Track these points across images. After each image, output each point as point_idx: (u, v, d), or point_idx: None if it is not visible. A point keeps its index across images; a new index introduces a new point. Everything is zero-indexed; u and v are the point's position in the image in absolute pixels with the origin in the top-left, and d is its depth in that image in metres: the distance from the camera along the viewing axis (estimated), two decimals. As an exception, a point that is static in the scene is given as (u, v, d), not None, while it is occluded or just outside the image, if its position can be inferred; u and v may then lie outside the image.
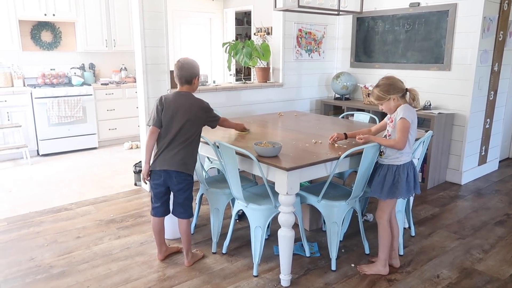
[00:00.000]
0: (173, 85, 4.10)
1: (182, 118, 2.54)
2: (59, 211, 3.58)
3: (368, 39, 5.10)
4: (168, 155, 2.56)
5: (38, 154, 5.38)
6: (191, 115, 2.57)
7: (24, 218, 3.44)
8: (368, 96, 4.85)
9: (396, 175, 2.45)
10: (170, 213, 2.73)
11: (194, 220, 3.19)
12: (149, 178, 2.64)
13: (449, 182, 4.41)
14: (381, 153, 2.50)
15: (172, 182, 2.58)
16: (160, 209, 2.68)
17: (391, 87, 2.41)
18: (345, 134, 2.75)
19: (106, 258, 2.79)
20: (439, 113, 4.14)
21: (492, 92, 4.42)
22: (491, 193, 4.13)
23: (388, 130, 2.50)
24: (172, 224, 3.00)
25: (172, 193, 2.68)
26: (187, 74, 2.60)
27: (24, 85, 5.47)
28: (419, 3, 4.47)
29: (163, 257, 2.79)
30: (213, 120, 2.76)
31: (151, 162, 2.62)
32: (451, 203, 3.85)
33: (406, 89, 2.43)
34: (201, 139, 2.79)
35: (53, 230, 3.21)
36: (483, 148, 4.57)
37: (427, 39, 4.47)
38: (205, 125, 2.70)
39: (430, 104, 4.33)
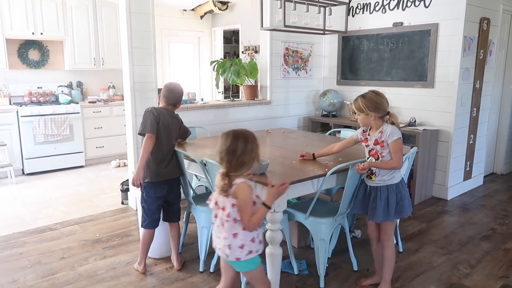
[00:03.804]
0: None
1: (173, 133, 2.82)
2: (43, 231, 3.51)
3: (354, 58, 5.20)
4: (169, 166, 2.78)
5: (23, 173, 5.29)
6: (177, 129, 2.87)
7: (7, 239, 3.37)
8: (354, 114, 4.91)
9: (398, 194, 2.42)
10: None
11: (181, 239, 3.15)
12: (141, 185, 2.72)
13: (435, 198, 4.46)
14: (371, 176, 2.44)
15: (172, 191, 2.83)
16: (157, 220, 2.84)
17: (376, 106, 2.38)
18: (313, 154, 2.78)
19: (91, 279, 2.74)
20: (424, 129, 4.22)
21: (475, 109, 4.53)
22: (476, 208, 4.18)
23: (376, 150, 2.42)
24: (161, 243, 2.98)
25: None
26: (177, 97, 2.86)
27: (10, 104, 5.42)
28: (402, 23, 4.59)
29: (145, 270, 2.84)
30: (187, 131, 3.09)
31: (144, 173, 2.71)
32: (437, 218, 3.89)
33: (388, 112, 2.41)
34: (188, 157, 2.79)
35: (37, 251, 3.14)
36: (468, 163, 4.64)
37: (410, 57, 4.58)
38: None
39: (415, 121, 4.41)
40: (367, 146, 2.49)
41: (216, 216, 1.93)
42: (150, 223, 2.79)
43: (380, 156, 2.41)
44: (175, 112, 2.89)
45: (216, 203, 1.91)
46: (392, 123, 2.40)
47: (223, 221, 1.87)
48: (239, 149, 1.85)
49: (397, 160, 2.35)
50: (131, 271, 2.83)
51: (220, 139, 1.89)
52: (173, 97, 2.83)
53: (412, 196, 4.23)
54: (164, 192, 2.78)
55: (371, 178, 2.45)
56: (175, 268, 2.85)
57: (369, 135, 2.48)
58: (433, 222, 3.79)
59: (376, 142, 2.42)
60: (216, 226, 1.94)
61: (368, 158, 2.49)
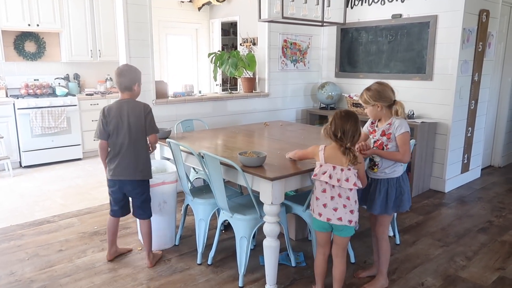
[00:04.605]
0: (158, 96, 4.09)
1: (128, 125, 2.60)
2: (41, 224, 3.51)
3: (352, 50, 5.17)
4: (121, 164, 2.64)
5: (20, 165, 5.28)
6: (135, 118, 2.61)
7: (4, 231, 3.36)
8: (353, 106, 4.91)
9: (398, 188, 2.41)
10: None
11: (179, 231, 3.16)
12: None
13: (433, 190, 4.47)
14: (374, 168, 2.43)
15: (127, 189, 2.70)
16: (118, 211, 2.80)
17: (380, 95, 2.36)
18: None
19: (89, 271, 2.74)
20: (422, 122, 4.21)
21: (473, 102, 4.52)
22: (474, 200, 4.19)
23: (382, 141, 2.39)
24: (159, 236, 2.98)
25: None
26: (126, 80, 2.59)
27: (7, 96, 5.39)
28: (401, 15, 4.57)
29: (112, 258, 2.85)
30: (152, 128, 2.67)
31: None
32: (435, 211, 3.90)
33: (394, 100, 2.39)
34: (186, 149, 2.78)
35: (35, 244, 3.14)
36: (466, 156, 4.65)
37: (409, 49, 4.56)
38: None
39: (413, 113, 4.41)
40: (373, 136, 2.47)
41: (324, 191, 2.19)
42: (110, 211, 2.81)
43: (385, 148, 2.39)
44: (140, 101, 2.67)
45: (330, 176, 2.14)
46: (396, 112, 2.38)
47: (345, 190, 2.15)
48: (359, 127, 2.17)
49: (403, 152, 2.33)
50: (128, 263, 2.83)
51: (339, 119, 2.15)
52: (124, 80, 2.58)
53: (410, 189, 4.23)
54: (116, 188, 2.69)
55: (373, 169, 2.43)
56: (147, 266, 2.79)
57: (377, 126, 2.46)
58: (431, 214, 3.81)
59: (383, 133, 2.39)
60: (329, 199, 2.18)
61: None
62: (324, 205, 2.20)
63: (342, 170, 2.13)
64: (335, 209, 2.19)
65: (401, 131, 2.33)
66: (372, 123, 2.51)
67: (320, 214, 2.23)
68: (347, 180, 2.13)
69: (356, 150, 2.17)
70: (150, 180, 2.81)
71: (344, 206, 2.18)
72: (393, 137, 2.35)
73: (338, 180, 2.13)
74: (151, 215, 2.81)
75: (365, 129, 2.55)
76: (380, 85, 2.40)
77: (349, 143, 2.12)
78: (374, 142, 2.45)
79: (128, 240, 3.18)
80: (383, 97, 2.36)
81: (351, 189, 2.16)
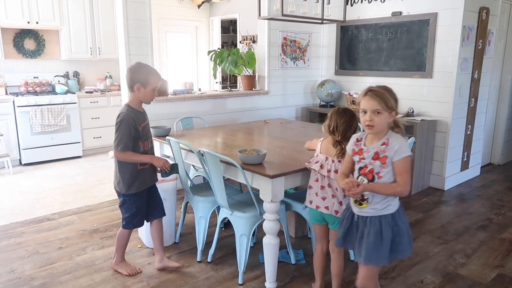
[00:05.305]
0: (158, 93, 4.08)
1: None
2: (41, 222, 3.51)
3: (352, 47, 5.17)
4: None
5: (20, 163, 5.28)
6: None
7: (4, 229, 3.37)
8: (353, 103, 4.91)
9: (395, 227, 1.86)
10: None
11: (179, 229, 3.16)
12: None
13: (432, 188, 4.47)
14: (362, 202, 1.89)
15: None
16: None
17: (397, 102, 1.86)
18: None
19: (89, 268, 2.74)
20: (422, 119, 4.21)
21: (473, 99, 4.52)
22: (473, 198, 4.20)
23: (372, 168, 1.86)
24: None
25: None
26: (127, 79, 2.40)
27: (7, 94, 5.38)
28: (401, 12, 4.56)
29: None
30: (114, 142, 2.44)
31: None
32: (434, 208, 3.91)
33: None
34: (185, 147, 2.78)
35: (35, 241, 3.15)
36: (465, 154, 4.65)
37: (409, 47, 4.56)
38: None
39: (413, 111, 4.40)
40: (360, 160, 1.90)
41: (317, 180, 2.26)
42: None
43: (376, 176, 1.84)
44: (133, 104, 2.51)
45: (322, 166, 2.21)
46: (398, 126, 1.89)
47: (334, 181, 2.18)
48: (354, 124, 2.20)
49: (404, 183, 1.80)
50: (129, 261, 2.83)
51: (335, 114, 2.21)
52: (126, 79, 2.42)
53: (410, 186, 4.23)
54: None
55: (361, 204, 1.90)
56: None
57: (365, 145, 1.91)
58: (430, 212, 3.81)
59: (376, 156, 1.84)
60: (319, 188, 2.25)
61: (358, 177, 1.91)
62: (316, 194, 2.27)
63: (333, 161, 2.19)
64: (324, 198, 2.24)
65: (402, 155, 1.79)
66: (358, 139, 1.96)
67: (311, 202, 2.30)
68: (336, 171, 2.16)
69: (345, 145, 2.10)
70: None
71: (333, 196, 2.22)
72: (389, 162, 1.81)
73: (328, 171, 2.19)
74: (127, 228, 2.63)
75: (349, 150, 1.99)
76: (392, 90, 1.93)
77: (340, 137, 2.17)
78: (360, 168, 1.90)
79: (128, 238, 3.19)
80: (397, 106, 1.87)
81: None
